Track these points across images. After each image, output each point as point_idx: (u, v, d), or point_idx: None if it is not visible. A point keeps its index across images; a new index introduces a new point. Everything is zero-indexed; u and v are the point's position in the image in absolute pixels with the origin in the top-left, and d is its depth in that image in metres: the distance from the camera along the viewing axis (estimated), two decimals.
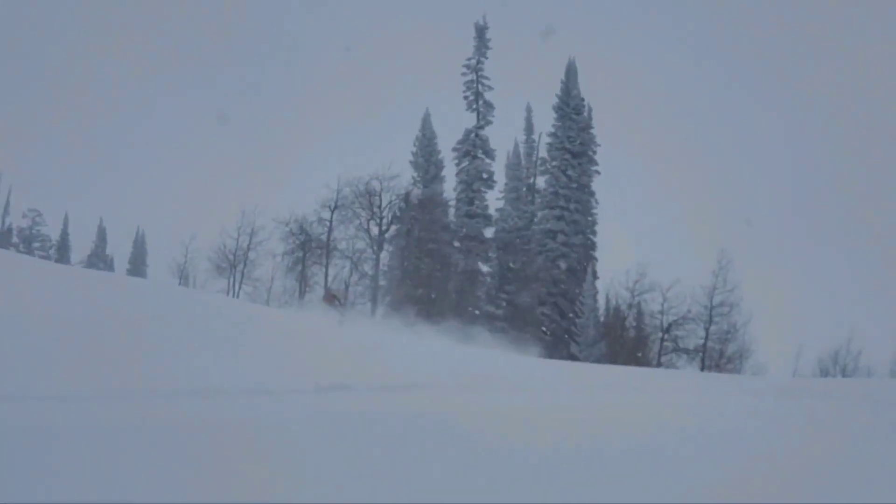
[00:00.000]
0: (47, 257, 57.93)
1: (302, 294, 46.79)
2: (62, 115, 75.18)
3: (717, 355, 45.61)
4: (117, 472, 4.26)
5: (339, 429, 6.40)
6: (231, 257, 47.32)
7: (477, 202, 48.85)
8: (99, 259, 61.26)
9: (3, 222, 61.86)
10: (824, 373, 45.19)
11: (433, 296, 45.82)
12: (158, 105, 75.69)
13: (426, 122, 50.16)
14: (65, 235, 62.93)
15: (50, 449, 4.82)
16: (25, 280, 20.94)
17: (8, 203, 60.45)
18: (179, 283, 47.86)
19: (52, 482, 4.00)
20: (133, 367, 10.01)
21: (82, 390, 8.20)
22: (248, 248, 47.54)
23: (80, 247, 64.05)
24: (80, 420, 6.46)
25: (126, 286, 28.42)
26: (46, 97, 69.92)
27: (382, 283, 47.67)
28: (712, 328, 45.18)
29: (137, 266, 61.45)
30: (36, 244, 62.05)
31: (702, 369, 43.81)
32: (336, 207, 46.41)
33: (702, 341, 45.33)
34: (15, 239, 61.93)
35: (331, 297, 28.31)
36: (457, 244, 48.45)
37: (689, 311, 45.42)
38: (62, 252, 61.32)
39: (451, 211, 49.65)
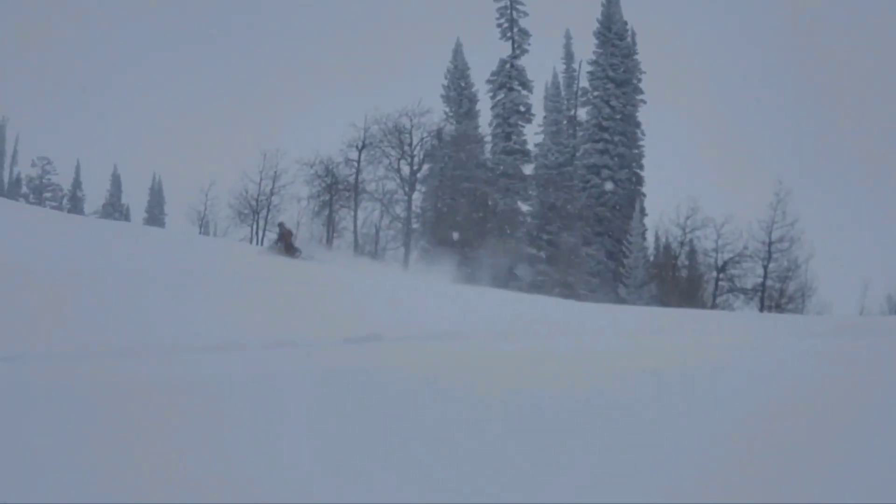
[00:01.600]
0: (59, 208, 60.46)
1: (330, 240, 48.60)
2: (72, 60, 77.60)
3: (778, 294, 46.49)
4: (139, 430, 4.41)
5: (360, 382, 6.51)
6: (253, 203, 49.04)
7: (514, 137, 50.03)
8: (114, 209, 63.40)
9: (12, 172, 64.47)
10: (894, 309, 46.30)
11: (470, 238, 47.44)
12: (174, 47, 77.67)
13: (457, 54, 51.44)
14: (77, 184, 65.39)
15: (64, 408, 4.98)
16: (37, 232, 22.57)
17: (16, 152, 63.04)
18: (200, 232, 49.91)
19: (61, 442, 4.13)
20: (151, 323, 10.68)
21: (95, 346, 8.70)
22: (272, 193, 49.25)
23: (94, 196, 66.66)
24: (91, 378, 6.70)
25: (143, 236, 30.20)
26: (54, 41, 72.01)
27: (415, 226, 49.24)
28: (771, 265, 45.89)
29: (155, 215, 63.55)
30: (47, 194, 64.51)
31: (761, 310, 44.50)
32: (364, 147, 47.69)
33: (760, 280, 46.12)
34: (25, 189, 64.55)
35: (287, 235, 27.52)
36: (494, 182, 49.62)
37: (745, 248, 46.13)
38: (75, 202, 63.77)
39: (487, 147, 51.01)
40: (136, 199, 63.60)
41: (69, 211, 57.97)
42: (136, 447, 4.05)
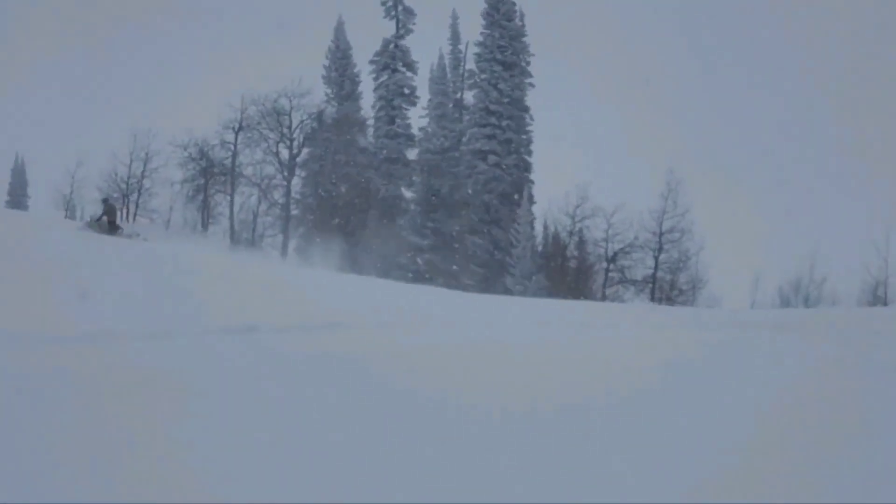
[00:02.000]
0: None
1: (205, 225, 49.76)
2: None
3: (668, 286, 48.37)
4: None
5: (240, 371, 6.75)
6: (123, 186, 49.87)
7: (398, 121, 51.64)
8: None
9: None
10: (785, 303, 48.29)
11: (352, 225, 49.04)
12: (40, 17, 77.91)
13: (339, 33, 52.74)
14: None
15: None
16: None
17: None
18: (66, 216, 50.79)
19: None
20: (18, 310, 10.61)
21: None
22: (143, 176, 50.11)
23: None
24: None
25: (5, 220, 30.14)
26: None
27: (295, 212, 50.61)
28: (662, 256, 47.85)
29: (17, 198, 63.67)
30: None
31: (651, 301, 46.22)
32: (240, 129, 49.05)
33: (651, 271, 48.04)
34: None
35: (111, 211, 27.80)
36: (377, 168, 51.15)
37: (636, 239, 48.15)
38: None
39: (370, 131, 52.44)
40: None
41: None
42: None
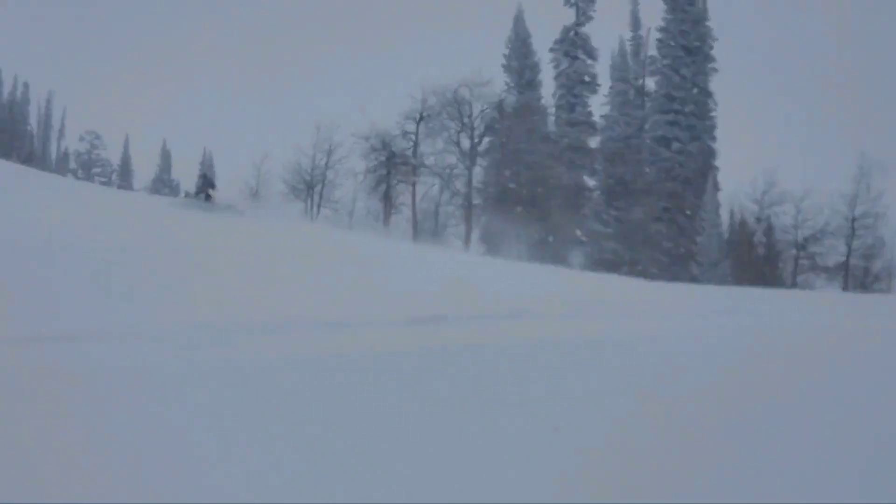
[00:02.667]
0: (108, 183, 69.44)
1: (387, 216, 55.28)
2: (117, 33, 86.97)
3: (862, 273, 51.29)
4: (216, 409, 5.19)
5: (429, 361, 7.23)
6: (308, 178, 55.81)
7: (579, 108, 56.60)
8: (164, 184, 71.89)
9: (59, 146, 74.41)
10: None
11: (533, 214, 53.43)
12: (222, 19, 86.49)
13: (518, 21, 57.99)
14: (126, 159, 74.66)
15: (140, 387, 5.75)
16: (87, 208, 25.71)
17: (63, 126, 72.76)
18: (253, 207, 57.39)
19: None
20: (208, 302, 11.92)
21: (155, 327, 9.72)
22: (326, 167, 55.93)
23: (144, 171, 75.01)
24: (159, 360, 7.61)
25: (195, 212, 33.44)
26: (98, 13, 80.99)
27: (476, 201, 55.59)
28: (855, 243, 50.54)
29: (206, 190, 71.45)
30: (96, 169, 73.90)
31: (844, 289, 48.96)
32: (422, 119, 54.63)
33: (843, 258, 50.90)
34: (73, 164, 74.36)
35: (209, 184, 31.30)
36: (558, 156, 55.89)
37: (827, 224, 51.11)
38: (124, 177, 72.89)
39: (551, 119, 57.61)
40: (185, 174, 72.30)
41: (118, 187, 66.70)
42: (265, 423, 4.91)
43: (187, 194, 30.63)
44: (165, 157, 75.49)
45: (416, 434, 5.08)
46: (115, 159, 75.44)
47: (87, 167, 73.74)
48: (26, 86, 74.39)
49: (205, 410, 5.31)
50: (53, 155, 74.73)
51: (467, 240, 54.64)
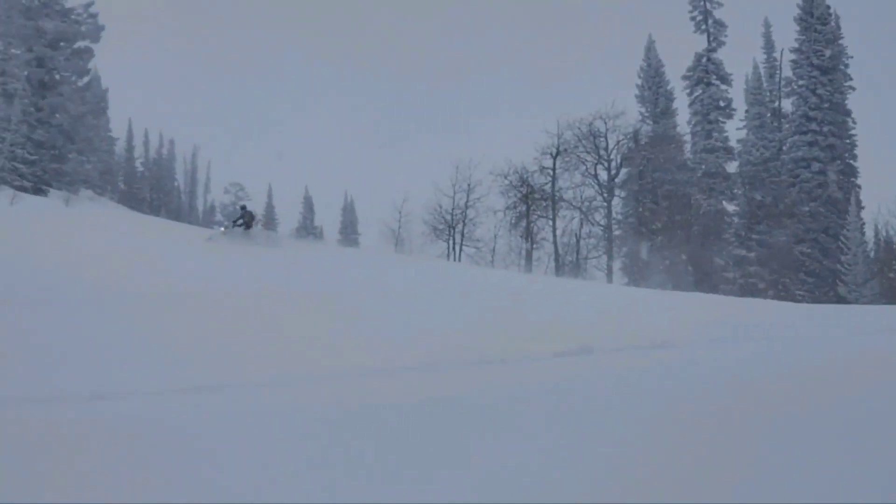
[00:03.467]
0: None
1: (529, 252, 56.82)
2: (253, 85, 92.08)
3: None
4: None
5: (573, 397, 7.08)
6: (448, 217, 57.78)
7: (715, 134, 57.38)
8: (308, 230, 75.63)
9: (206, 199, 79.15)
10: None
11: (674, 242, 54.73)
12: (354, 65, 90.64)
13: (650, 51, 59.46)
14: (270, 208, 78.70)
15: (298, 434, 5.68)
16: (236, 257, 26.52)
17: (208, 179, 77.42)
18: (395, 250, 60.19)
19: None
20: (357, 344, 12.05)
21: (305, 373, 9.64)
22: (466, 206, 57.74)
23: (287, 219, 79.24)
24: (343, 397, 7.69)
25: (342, 256, 36.06)
26: (238, 70, 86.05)
27: (617, 232, 57.05)
28: None
29: (348, 235, 74.79)
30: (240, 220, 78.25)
31: None
32: (558, 154, 56.04)
33: None
34: (219, 216, 78.98)
35: (249, 217, 31.80)
36: (696, 183, 57.06)
37: None
38: (269, 225, 76.99)
39: (687, 147, 58.68)
40: (328, 219, 76.36)
41: None
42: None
43: (226, 226, 31.94)
44: (308, 203, 79.56)
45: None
46: (260, 208, 79.50)
47: (233, 218, 77.77)
48: (172, 143, 79.58)
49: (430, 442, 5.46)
50: (200, 208, 79.79)
51: (609, 271, 55.89)
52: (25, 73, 70.39)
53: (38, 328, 12.66)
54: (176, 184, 79.39)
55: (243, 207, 31.30)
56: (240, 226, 31.65)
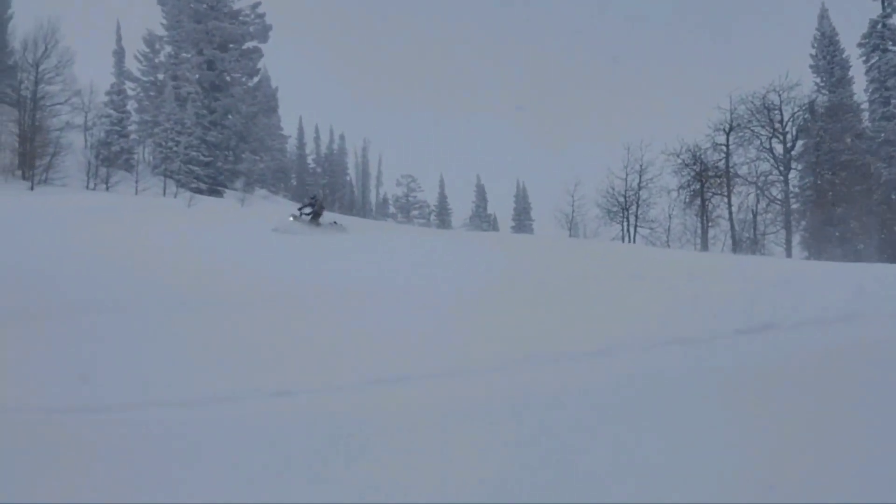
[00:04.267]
0: (427, 224, 76.72)
1: (705, 230, 56.74)
2: (420, 79, 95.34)
3: None
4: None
5: (779, 373, 7.07)
6: (621, 199, 58.59)
7: (894, 101, 56.78)
8: (481, 219, 78.12)
9: (378, 193, 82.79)
10: None
11: (854, 213, 54.88)
12: (517, 56, 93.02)
13: (823, 19, 59.09)
14: (443, 199, 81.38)
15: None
16: (408, 248, 27.32)
17: (380, 172, 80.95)
18: (570, 235, 61.51)
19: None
20: (541, 330, 11.96)
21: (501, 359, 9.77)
22: (639, 187, 58.48)
23: (460, 209, 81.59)
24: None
25: (522, 243, 35.59)
26: (403, 64, 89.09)
27: (795, 205, 57.02)
28: None
29: (522, 221, 77.00)
30: (414, 211, 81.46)
31: None
32: (731, 129, 56.20)
33: None
34: (392, 209, 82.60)
35: (318, 205, 31.68)
36: (876, 152, 56.57)
37: None
38: (442, 216, 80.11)
39: (865, 115, 58.24)
40: (501, 207, 78.85)
41: (437, 226, 73.40)
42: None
43: (294, 216, 32.92)
44: (480, 192, 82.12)
45: None
46: (432, 200, 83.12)
47: (406, 210, 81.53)
48: (342, 138, 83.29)
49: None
50: (373, 201, 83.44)
51: (788, 245, 55.84)
52: (197, 76, 74.85)
53: (235, 325, 13.58)
54: (348, 178, 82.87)
55: (314, 197, 31.97)
56: (308, 214, 31.95)
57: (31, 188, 53.22)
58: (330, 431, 6.42)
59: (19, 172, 56.60)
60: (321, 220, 31.92)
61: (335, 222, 33.33)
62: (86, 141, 64.12)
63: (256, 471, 5.39)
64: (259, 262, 23.12)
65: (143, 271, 20.80)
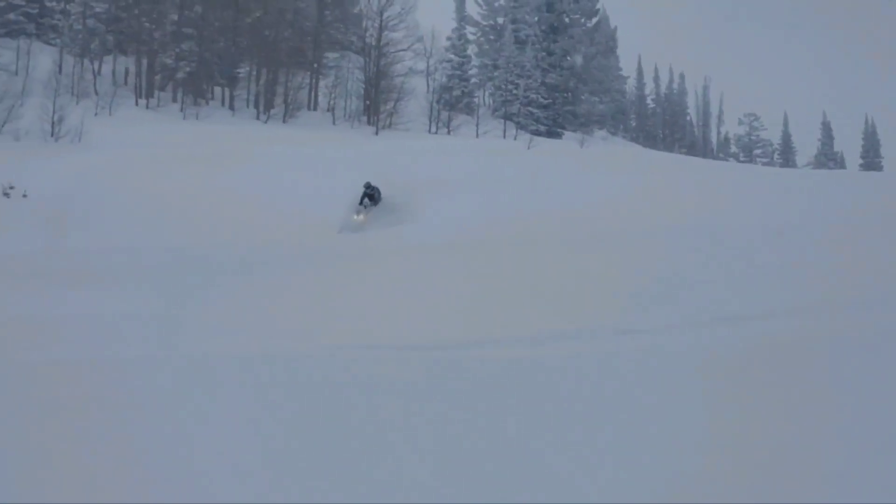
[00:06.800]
0: (770, 163, 74.82)
1: None
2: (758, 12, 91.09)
3: None
4: None
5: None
6: None
7: None
8: (827, 158, 76.27)
9: (719, 132, 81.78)
10: None
11: None
12: None
13: None
14: (786, 137, 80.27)
15: None
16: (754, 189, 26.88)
17: (721, 112, 79.78)
18: None
19: None
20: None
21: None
22: None
23: (805, 147, 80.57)
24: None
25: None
26: None
27: None
28: None
29: (870, 160, 74.71)
30: (757, 150, 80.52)
31: None
32: None
33: None
34: (734, 148, 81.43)
35: (374, 193, 31.01)
36: None
37: None
38: (786, 155, 78.16)
39: None
40: (849, 145, 75.24)
41: (780, 165, 71.31)
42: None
43: (359, 210, 31.51)
44: (826, 130, 79.12)
45: None
46: (776, 138, 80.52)
47: (748, 149, 79.59)
48: (682, 77, 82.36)
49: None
50: (714, 141, 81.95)
51: None
52: (535, 18, 75.81)
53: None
54: (688, 118, 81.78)
55: (367, 185, 31.44)
56: (371, 203, 31.57)
57: (376, 133, 56.50)
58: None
59: (364, 118, 60.21)
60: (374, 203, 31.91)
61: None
62: (428, 86, 67.18)
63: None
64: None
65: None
